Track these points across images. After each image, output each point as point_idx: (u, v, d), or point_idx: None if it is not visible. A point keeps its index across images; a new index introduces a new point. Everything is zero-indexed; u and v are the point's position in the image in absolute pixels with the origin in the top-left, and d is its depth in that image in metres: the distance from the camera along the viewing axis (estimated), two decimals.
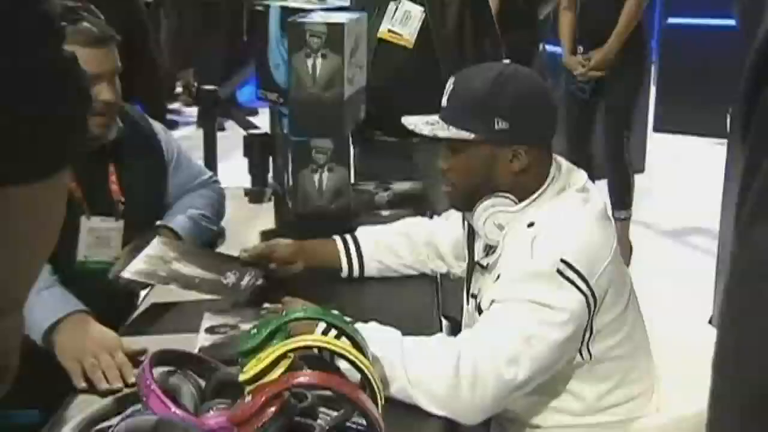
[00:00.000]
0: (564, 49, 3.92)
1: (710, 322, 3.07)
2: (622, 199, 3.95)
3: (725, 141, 5.29)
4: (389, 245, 1.88)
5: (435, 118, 1.58)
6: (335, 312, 1.41)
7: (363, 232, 1.91)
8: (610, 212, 1.69)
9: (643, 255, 3.95)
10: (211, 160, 3.09)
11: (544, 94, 1.58)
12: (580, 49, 3.86)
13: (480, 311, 1.56)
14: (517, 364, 1.39)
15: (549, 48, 4.39)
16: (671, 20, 6.16)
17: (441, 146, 1.60)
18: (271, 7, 2.12)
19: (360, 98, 2.19)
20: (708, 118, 5.25)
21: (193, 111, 6.36)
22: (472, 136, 1.53)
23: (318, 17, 2.03)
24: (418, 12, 2.56)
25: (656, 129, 5.92)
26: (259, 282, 1.80)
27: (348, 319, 1.40)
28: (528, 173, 1.55)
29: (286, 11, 2.08)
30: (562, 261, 1.43)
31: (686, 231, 4.51)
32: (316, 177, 2.06)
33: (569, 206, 1.53)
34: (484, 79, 1.54)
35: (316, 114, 2.01)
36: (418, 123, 1.58)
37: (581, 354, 1.50)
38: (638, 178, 4.18)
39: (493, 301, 1.46)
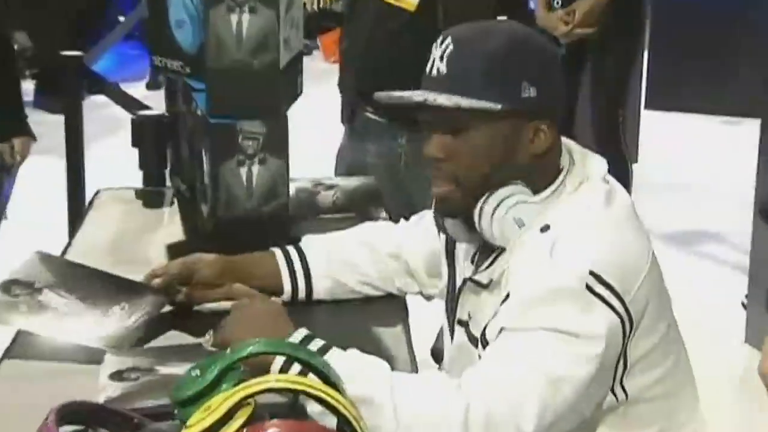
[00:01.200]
0: (537, 4, 4.02)
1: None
2: None
3: (738, 119, 5.52)
4: (345, 258, 1.90)
5: (424, 92, 1.58)
6: (299, 345, 1.44)
7: (310, 243, 1.94)
8: None
9: None
10: (76, 154, 3.07)
11: (558, 55, 1.66)
12: (557, 1, 3.96)
13: (477, 341, 1.59)
14: (542, 416, 1.42)
15: None
16: None
17: (429, 131, 1.61)
18: None
19: (298, 67, 2.21)
20: (712, 91, 5.47)
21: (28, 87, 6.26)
22: (499, 106, 1.54)
23: None
24: None
25: (649, 106, 6.11)
26: (154, 316, 1.80)
27: (320, 341, 1.42)
28: (548, 157, 1.60)
29: None
30: (591, 273, 1.47)
31: (692, 235, 4.68)
32: (244, 171, 2.07)
33: (592, 203, 1.58)
34: (498, 36, 1.58)
35: (244, 87, 2.02)
36: (413, 95, 1.59)
37: (614, 393, 1.55)
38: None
39: (502, 329, 1.49)
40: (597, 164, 1.64)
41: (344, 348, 1.51)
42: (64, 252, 2.18)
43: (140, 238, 2.27)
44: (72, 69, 3.14)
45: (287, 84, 2.12)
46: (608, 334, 1.47)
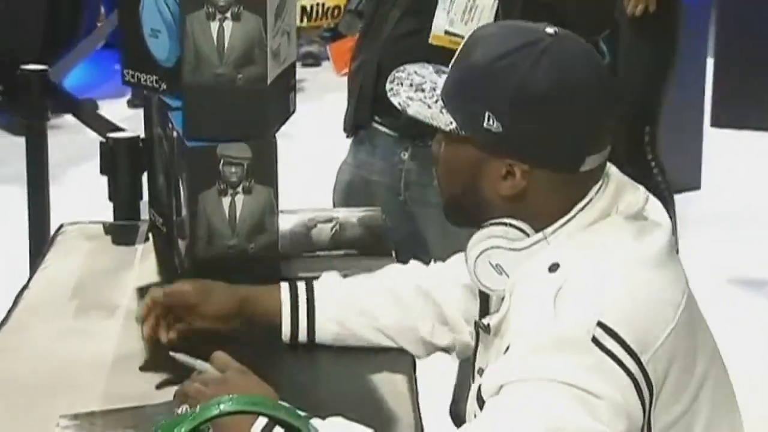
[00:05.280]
0: None
1: None
2: None
3: None
4: (361, 303, 1.95)
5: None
6: (281, 402, 1.47)
7: (325, 281, 2.00)
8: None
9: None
10: (40, 180, 3.13)
11: (585, 95, 1.59)
12: None
13: (481, 400, 1.60)
14: None
15: None
16: None
17: None
18: None
19: (289, 81, 2.26)
20: None
21: None
22: (452, 125, 1.60)
23: None
24: (488, 3, 2.63)
25: (714, 123, 6.13)
26: None
27: (301, 412, 1.45)
28: (526, 201, 1.61)
29: None
30: (600, 324, 1.48)
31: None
32: (226, 202, 2.11)
33: (612, 242, 1.59)
34: (496, 46, 1.59)
35: (225, 105, 2.08)
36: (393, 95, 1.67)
37: None
38: (692, 198, 4.35)
39: (500, 388, 1.51)
40: (631, 197, 1.66)
41: (334, 413, 1.55)
42: (20, 294, 2.23)
43: (108, 280, 2.30)
44: (36, 85, 3.19)
45: (277, 101, 2.17)
46: (617, 397, 1.47)
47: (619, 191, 1.65)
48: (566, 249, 1.58)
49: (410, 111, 1.64)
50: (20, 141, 3.48)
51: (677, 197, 4.40)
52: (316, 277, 2.01)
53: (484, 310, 1.74)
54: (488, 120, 1.57)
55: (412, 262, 2.06)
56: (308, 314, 1.94)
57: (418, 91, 1.65)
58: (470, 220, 1.67)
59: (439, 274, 1.96)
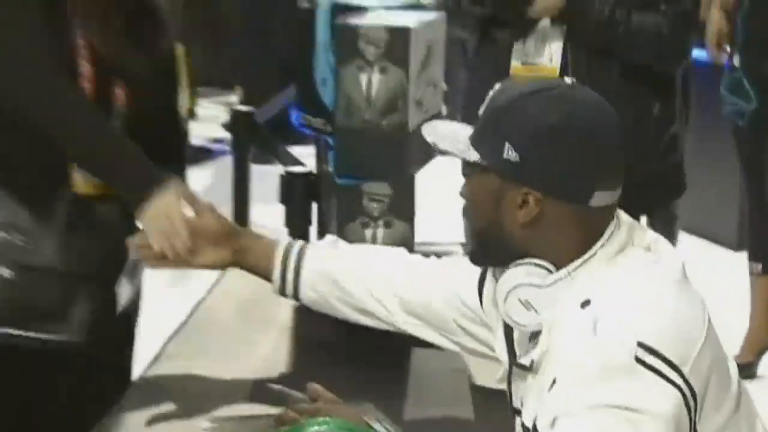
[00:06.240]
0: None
1: None
2: None
3: None
4: (343, 276, 2.15)
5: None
6: (378, 425, 1.72)
7: (315, 246, 2.25)
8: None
9: None
10: (241, 204, 3.44)
11: (594, 134, 1.74)
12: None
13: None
14: None
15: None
16: None
17: None
18: (320, 4, 2.48)
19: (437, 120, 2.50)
20: None
21: None
22: (476, 157, 1.78)
23: (376, 18, 2.36)
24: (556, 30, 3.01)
25: None
26: None
27: None
28: (541, 230, 1.75)
29: (339, 9, 2.42)
30: (640, 344, 1.60)
31: None
32: (368, 234, 2.36)
33: (635, 270, 1.71)
34: (520, 88, 1.79)
35: (370, 148, 2.33)
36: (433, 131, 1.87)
37: None
38: None
39: (555, 419, 1.62)
40: (641, 233, 1.80)
41: None
42: (200, 303, 2.55)
43: (275, 297, 2.60)
44: (243, 123, 3.48)
45: (418, 146, 2.34)
46: (668, 408, 1.61)
47: (632, 229, 1.79)
48: (593, 285, 1.70)
49: (441, 147, 1.83)
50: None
51: None
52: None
53: (512, 350, 1.86)
54: (507, 151, 1.73)
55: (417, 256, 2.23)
56: (294, 275, 2.16)
57: (450, 133, 1.85)
58: (496, 255, 1.81)
59: (426, 267, 2.14)
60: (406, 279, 2.12)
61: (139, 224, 2.20)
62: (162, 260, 2.15)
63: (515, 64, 3.22)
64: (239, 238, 2.20)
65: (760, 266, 4.40)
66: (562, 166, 1.73)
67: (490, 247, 1.83)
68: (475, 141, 1.79)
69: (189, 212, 2.14)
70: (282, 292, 2.19)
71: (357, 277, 2.14)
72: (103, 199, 2.29)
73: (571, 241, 1.75)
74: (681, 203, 4.69)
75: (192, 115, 8.18)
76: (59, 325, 2.21)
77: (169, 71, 2.51)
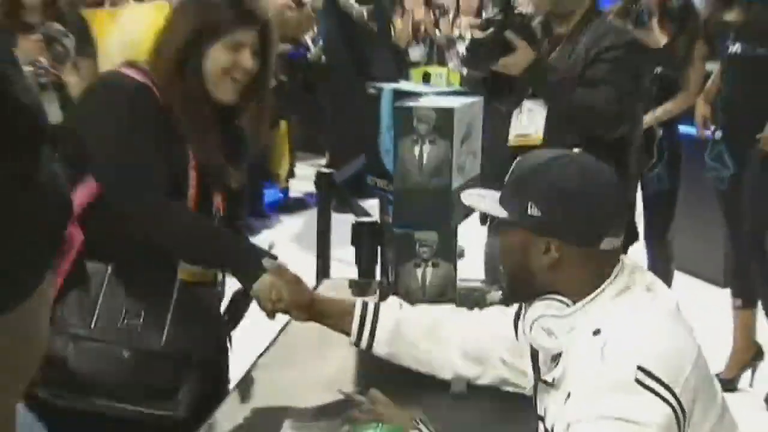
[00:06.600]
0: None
1: None
2: None
3: None
4: (410, 335, 2.14)
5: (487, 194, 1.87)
6: (423, 427, 1.73)
7: (389, 307, 2.21)
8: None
9: None
10: (322, 249, 3.47)
11: (600, 193, 1.75)
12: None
13: None
14: None
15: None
16: None
17: None
18: (384, 90, 2.50)
19: (473, 188, 2.50)
20: None
21: None
22: (505, 214, 1.79)
23: (427, 101, 2.39)
24: (540, 106, 2.98)
25: None
26: None
27: None
28: (562, 271, 1.75)
29: (398, 94, 2.45)
30: (640, 369, 1.59)
31: None
32: (419, 272, 2.37)
33: (637, 306, 1.71)
34: (538, 158, 1.80)
35: (421, 204, 2.34)
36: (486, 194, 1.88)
37: None
38: None
39: (569, 425, 1.62)
40: (642, 276, 1.78)
41: None
42: (286, 326, 2.55)
43: None
44: (326, 182, 3.50)
45: (459, 203, 2.39)
46: (662, 422, 1.60)
47: (633, 270, 1.78)
48: (603, 316, 1.70)
49: (477, 207, 1.89)
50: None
51: None
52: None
53: (536, 368, 1.86)
54: (531, 208, 1.74)
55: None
56: (370, 333, 2.16)
57: (483, 197, 1.86)
58: (526, 293, 1.80)
59: (477, 320, 2.15)
60: (463, 331, 2.15)
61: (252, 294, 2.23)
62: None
63: (511, 133, 3.24)
64: (315, 305, 2.23)
65: (740, 301, 4.42)
66: (577, 218, 1.75)
67: (521, 286, 1.83)
68: (504, 202, 1.81)
69: (284, 285, 2.18)
70: (357, 345, 2.21)
71: (423, 334, 2.15)
72: (201, 285, 2.30)
73: (584, 280, 1.75)
74: (676, 247, 4.70)
75: (292, 174, 8.32)
76: (169, 402, 2.19)
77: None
